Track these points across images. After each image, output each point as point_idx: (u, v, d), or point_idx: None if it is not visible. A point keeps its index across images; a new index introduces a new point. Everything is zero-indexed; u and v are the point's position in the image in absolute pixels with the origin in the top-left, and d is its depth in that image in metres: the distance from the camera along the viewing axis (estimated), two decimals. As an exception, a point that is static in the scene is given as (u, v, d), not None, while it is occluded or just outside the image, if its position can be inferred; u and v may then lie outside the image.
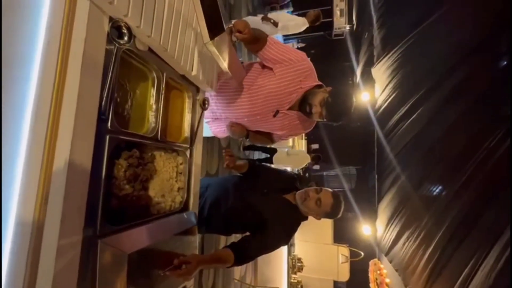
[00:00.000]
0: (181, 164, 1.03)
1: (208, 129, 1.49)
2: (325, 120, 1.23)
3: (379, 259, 5.91)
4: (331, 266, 6.24)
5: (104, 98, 0.64)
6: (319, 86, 1.26)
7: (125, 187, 0.73)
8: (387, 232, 5.59)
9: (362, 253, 6.20)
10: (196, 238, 1.05)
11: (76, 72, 0.57)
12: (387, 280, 5.16)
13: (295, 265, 5.96)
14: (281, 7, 6.02)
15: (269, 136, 1.47)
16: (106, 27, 0.64)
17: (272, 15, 3.41)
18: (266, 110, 1.26)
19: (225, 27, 0.90)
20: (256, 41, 1.16)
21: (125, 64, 0.78)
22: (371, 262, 5.80)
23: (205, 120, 1.31)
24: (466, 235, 3.33)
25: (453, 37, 3.97)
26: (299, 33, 3.91)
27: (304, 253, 6.27)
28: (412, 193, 4.82)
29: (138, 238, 0.72)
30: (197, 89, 1.14)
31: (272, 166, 4.21)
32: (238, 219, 1.33)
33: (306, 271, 6.14)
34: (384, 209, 6.01)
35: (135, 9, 0.67)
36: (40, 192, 0.52)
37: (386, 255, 5.55)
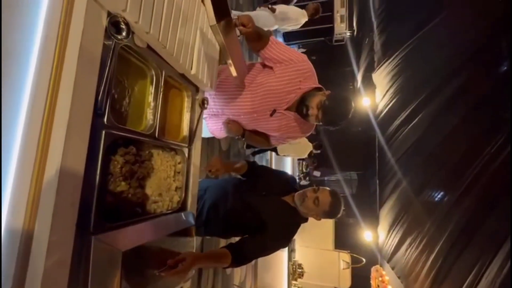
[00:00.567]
0: (179, 163, 1.02)
1: (207, 130, 1.49)
2: (321, 123, 1.21)
3: (381, 266, 5.83)
4: (332, 272, 6.14)
5: (101, 93, 0.63)
6: (318, 89, 1.25)
7: (120, 184, 0.72)
8: (389, 238, 5.52)
9: (364, 260, 6.11)
10: (194, 239, 1.04)
11: (72, 65, 0.57)
12: (389, 287, 5.08)
13: (295, 271, 5.88)
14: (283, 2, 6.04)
15: (266, 137, 1.44)
16: (104, 22, 0.64)
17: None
18: (263, 108, 1.26)
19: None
20: (259, 38, 1.16)
21: (123, 60, 0.78)
22: (373, 269, 5.71)
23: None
24: (468, 241, 3.28)
25: (453, 42, 3.99)
26: (301, 38, 3.92)
27: (304, 259, 6.19)
28: (413, 198, 4.78)
29: (133, 235, 0.71)
30: (197, 89, 1.14)
31: (268, 165, 4.17)
32: (237, 220, 1.32)
33: (307, 278, 6.05)
34: (385, 215, 5.95)
35: (133, 4, 0.67)
36: (33, 186, 0.51)
37: (388, 261, 5.47)
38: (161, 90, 0.89)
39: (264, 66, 1.27)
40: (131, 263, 0.69)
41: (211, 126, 1.46)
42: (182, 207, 1.02)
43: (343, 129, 8.88)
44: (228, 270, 3.48)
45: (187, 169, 1.05)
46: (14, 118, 0.51)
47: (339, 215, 1.29)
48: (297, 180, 5.42)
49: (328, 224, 6.28)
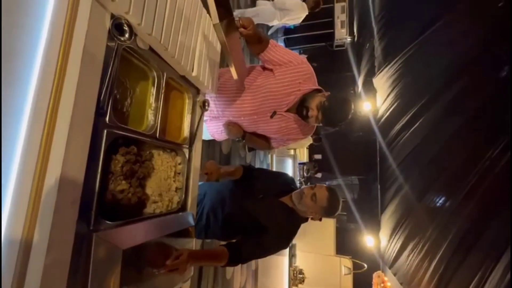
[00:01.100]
0: (179, 164, 1.03)
1: (208, 132, 1.50)
2: (321, 124, 1.22)
3: (383, 271, 5.76)
4: (333, 278, 6.07)
5: (103, 93, 0.65)
6: (318, 91, 1.26)
7: (121, 183, 0.72)
8: (390, 244, 5.47)
9: (365, 265, 6.04)
10: (193, 239, 1.04)
11: (76, 66, 0.58)
12: (391, 294, 5.01)
13: (296, 277, 5.82)
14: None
15: (266, 140, 1.45)
16: (108, 23, 0.65)
17: None
18: (264, 110, 1.27)
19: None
20: (259, 40, 1.18)
21: (126, 62, 0.79)
22: (374, 275, 5.65)
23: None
24: (471, 247, 3.24)
25: (454, 47, 4.01)
26: (301, 43, 3.93)
27: (305, 265, 6.12)
28: (415, 203, 4.75)
29: (133, 234, 0.71)
30: (198, 91, 1.15)
31: (269, 169, 4.13)
32: (236, 224, 1.31)
33: (308, 283, 5.98)
34: (387, 220, 5.91)
35: (136, 6, 0.69)
36: (35, 183, 0.52)
37: (390, 267, 5.41)
38: (163, 91, 0.90)
39: (264, 68, 1.29)
40: (131, 261, 0.69)
41: (212, 129, 1.47)
42: (182, 208, 1.02)
43: (344, 133, 8.88)
44: (229, 275, 3.46)
45: (187, 170, 1.06)
46: (19, 115, 0.52)
47: (338, 212, 1.27)
48: (298, 185, 5.40)
49: (329, 229, 6.23)
